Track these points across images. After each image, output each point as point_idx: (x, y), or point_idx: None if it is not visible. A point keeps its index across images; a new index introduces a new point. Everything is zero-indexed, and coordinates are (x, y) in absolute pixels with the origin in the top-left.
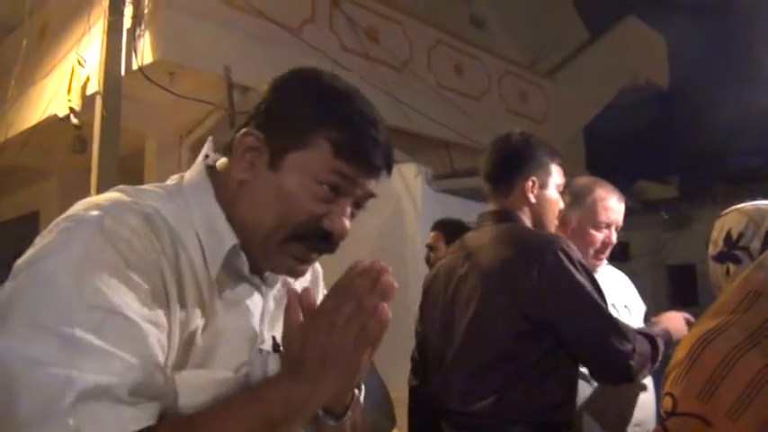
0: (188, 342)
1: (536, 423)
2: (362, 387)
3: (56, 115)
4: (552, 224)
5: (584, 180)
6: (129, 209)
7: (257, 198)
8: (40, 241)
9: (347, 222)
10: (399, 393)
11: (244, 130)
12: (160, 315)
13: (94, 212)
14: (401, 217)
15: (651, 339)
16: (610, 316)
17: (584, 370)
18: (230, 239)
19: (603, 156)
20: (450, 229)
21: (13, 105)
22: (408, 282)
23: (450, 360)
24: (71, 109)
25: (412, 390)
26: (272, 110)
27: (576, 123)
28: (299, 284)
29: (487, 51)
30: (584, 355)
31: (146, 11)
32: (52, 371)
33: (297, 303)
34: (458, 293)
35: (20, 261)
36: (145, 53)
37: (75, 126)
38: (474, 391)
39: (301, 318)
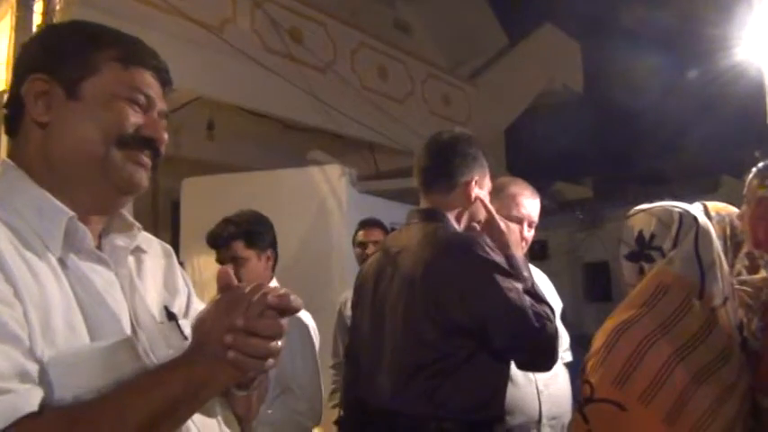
0: (44, 324)
1: (466, 420)
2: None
3: None
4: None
5: (502, 179)
6: None
7: (71, 129)
8: None
9: (164, 132)
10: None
11: (30, 77)
12: (8, 295)
13: None
14: (326, 217)
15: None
16: (528, 316)
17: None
18: (64, 213)
19: (523, 158)
20: (384, 226)
21: None
22: (334, 281)
23: (383, 361)
24: None
25: (347, 387)
26: (48, 50)
27: (496, 126)
28: (150, 259)
29: (410, 55)
30: (513, 356)
31: (57, 7)
32: None
33: (225, 288)
34: (387, 296)
35: None
36: None
37: None
38: (406, 392)
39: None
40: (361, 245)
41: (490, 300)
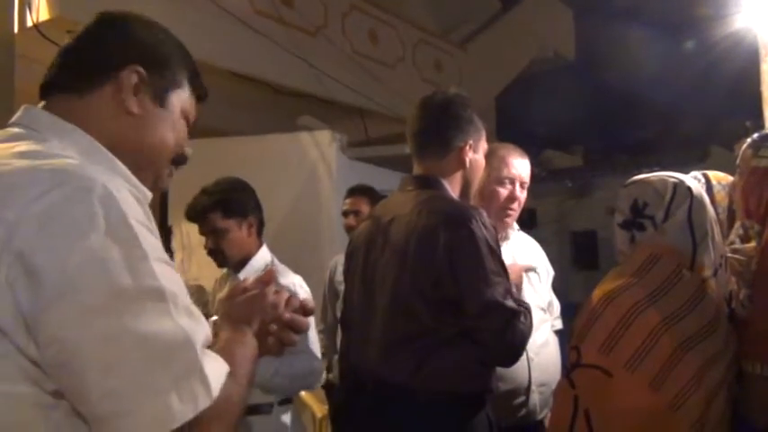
0: None
1: (455, 392)
2: None
3: None
4: (476, 188)
5: (490, 144)
6: (100, 168)
7: (155, 130)
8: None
9: None
10: None
11: (131, 66)
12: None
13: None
14: (315, 184)
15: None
16: (504, 296)
17: None
18: (147, 193)
19: (513, 125)
20: (373, 194)
21: None
22: (323, 247)
23: (373, 331)
24: None
25: (341, 355)
26: (149, 47)
27: (487, 93)
28: None
29: (402, 19)
30: (481, 338)
31: None
32: (167, 328)
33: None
34: (377, 264)
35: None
36: (40, 9)
37: None
38: (395, 362)
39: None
40: (344, 213)
41: (473, 269)
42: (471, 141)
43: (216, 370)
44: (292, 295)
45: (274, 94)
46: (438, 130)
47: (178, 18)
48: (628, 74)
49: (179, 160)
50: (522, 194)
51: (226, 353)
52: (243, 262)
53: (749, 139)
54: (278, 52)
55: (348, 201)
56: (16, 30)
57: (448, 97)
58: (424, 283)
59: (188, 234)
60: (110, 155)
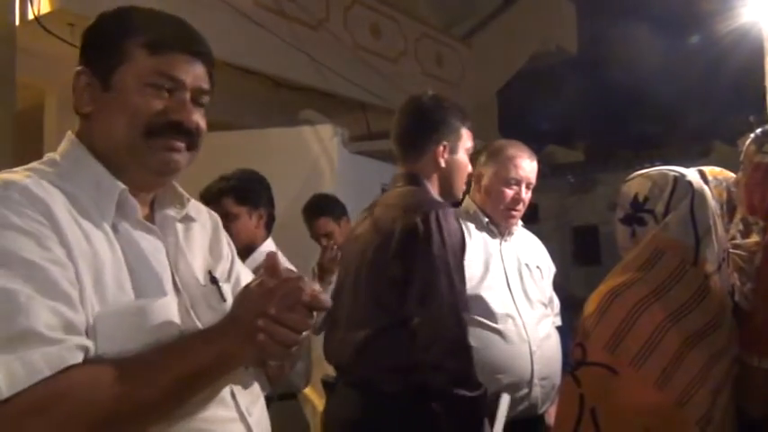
0: (96, 282)
1: (394, 381)
2: None
3: None
4: (461, 189)
5: (500, 141)
6: (15, 178)
7: (105, 119)
8: None
9: (193, 114)
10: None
11: (76, 70)
12: (61, 257)
13: None
14: (317, 178)
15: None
16: (443, 300)
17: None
18: (117, 187)
19: (516, 120)
20: (328, 207)
21: None
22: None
23: (342, 319)
24: None
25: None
26: (88, 44)
27: (489, 88)
28: (198, 227)
29: (404, 13)
30: (415, 324)
31: None
32: None
33: (270, 271)
34: (354, 252)
35: None
36: (42, 2)
37: None
38: (348, 341)
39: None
40: (326, 236)
41: (419, 258)
42: (446, 143)
43: (19, 368)
44: (299, 287)
45: (276, 87)
46: (409, 134)
47: (178, 11)
48: (631, 69)
49: (161, 128)
50: (527, 195)
51: (156, 349)
52: (248, 252)
53: (752, 135)
54: (279, 45)
55: (308, 226)
56: (17, 22)
57: (421, 102)
58: (382, 266)
59: None
60: (71, 162)
